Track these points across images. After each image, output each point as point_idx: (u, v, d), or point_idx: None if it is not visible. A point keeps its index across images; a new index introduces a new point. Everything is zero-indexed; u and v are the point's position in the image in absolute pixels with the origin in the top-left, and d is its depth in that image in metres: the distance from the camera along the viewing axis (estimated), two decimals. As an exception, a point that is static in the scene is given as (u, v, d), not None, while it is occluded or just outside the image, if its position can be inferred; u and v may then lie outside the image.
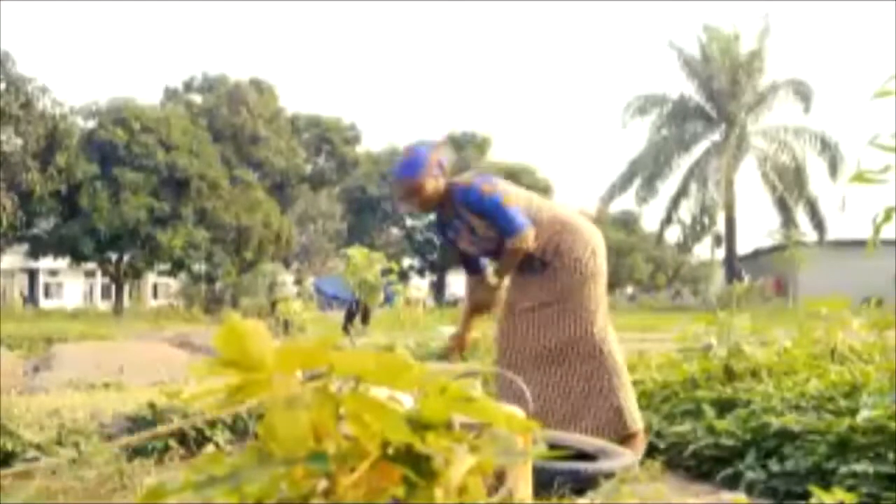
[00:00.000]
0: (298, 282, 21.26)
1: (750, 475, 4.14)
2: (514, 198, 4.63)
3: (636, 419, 4.61)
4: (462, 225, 4.68)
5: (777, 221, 41.08)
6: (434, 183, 4.59)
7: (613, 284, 42.65)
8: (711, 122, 41.85)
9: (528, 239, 4.51)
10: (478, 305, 4.84)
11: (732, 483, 4.16)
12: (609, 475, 3.78)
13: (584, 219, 4.87)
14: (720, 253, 44.66)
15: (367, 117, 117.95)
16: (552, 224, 4.63)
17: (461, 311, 5.03)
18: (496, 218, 4.54)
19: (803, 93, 40.03)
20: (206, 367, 0.93)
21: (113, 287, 41.73)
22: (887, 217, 2.83)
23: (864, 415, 3.86)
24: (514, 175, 49.14)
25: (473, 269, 4.91)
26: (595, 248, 4.66)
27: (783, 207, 40.62)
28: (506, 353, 4.67)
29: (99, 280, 54.45)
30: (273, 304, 21.28)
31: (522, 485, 2.61)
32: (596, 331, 4.58)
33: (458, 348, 4.92)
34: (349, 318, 16.62)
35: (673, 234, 44.14)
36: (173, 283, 49.86)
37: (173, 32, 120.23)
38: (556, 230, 4.61)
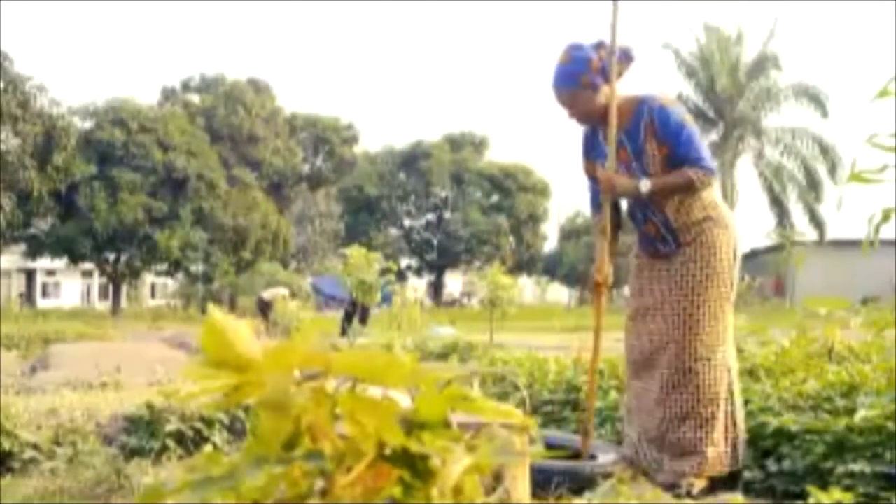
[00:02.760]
0: (293, 294, 21.16)
1: (748, 475, 4.14)
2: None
3: (710, 464, 4.08)
4: (625, 145, 4.13)
5: (774, 222, 41.11)
6: (591, 94, 4.09)
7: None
8: (710, 123, 41.85)
9: (710, 182, 4.04)
10: (609, 235, 4.28)
11: (730, 483, 4.16)
12: (607, 475, 3.78)
13: (733, 214, 4.36)
14: (718, 253, 44.54)
15: (364, 117, 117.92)
16: (708, 207, 4.14)
17: (598, 244, 4.32)
18: (688, 147, 4.02)
19: (813, 96, 39.95)
20: (196, 369, 0.93)
21: (110, 287, 41.76)
22: (885, 218, 2.83)
23: (861, 415, 3.86)
24: (511, 175, 49.31)
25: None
26: (736, 251, 4.18)
27: (781, 208, 40.63)
28: (631, 363, 4.33)
29: (96, 280, 54.41)
30: (263, 307, 21.17)
31: (520, 484, 2.61)
32: (707, 343, 4.11)
33: (602, 281, 4.23)
34: (348, 318, 16.62)
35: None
36: (171, 283, 49.87)
37: (171, 32, 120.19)
38: (705, 214, 4.13)
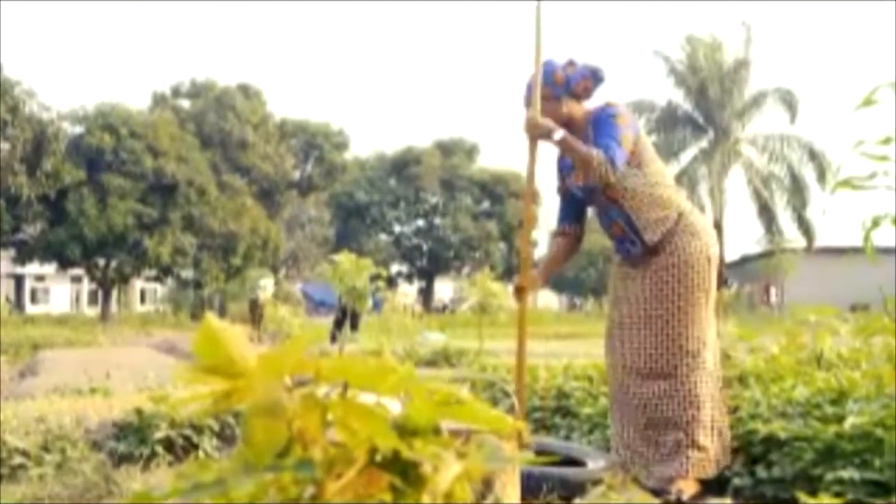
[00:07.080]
0: (285, 297, 21.17)
1: (737, 481, 4.14)
2: (635, 143, 4.19)
3: (694, 466, 4.12)
4: None
5: (763, 228, 41.17)
6: (554, 105, 4.21)
7: (599, 290, 42.70)
8: (699, 130, 41.94)
9: (611, 169, 4.03)
10: (556, 260, 4.59)
11: (720, 489, 4.17)
12: (597, 481, 3.78)
13: (707, 221, 4.42)
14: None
15: (355, 123, 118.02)
16: (670, 207, 4.22)
17: (546, 258, 4.69)
18: (603, 132, 4.10)
19: (789, 101, 40.13)
20: (188, 373, 0.93)
21: (100, 292, 41.58)
22: (875, 224, 2.84)
23: (850, 421, 3.87)
24: (502, 181, 49.31)
25: (573, 217, 4.56)
26: (710, 258, 4.22)
27: (769, 214, 40.71)
28: (612, 369, 4.38)
29: (86, 285, 54.25)
30: (255, 310, 21.11)
31: (510, 491, 2.61)
32: (687, 349, 4.16)
33: (528, 285, 4.33)
34: (338, 324, 16.61)
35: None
36: (161, 289, 49.74)
37: (161, 37, 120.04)
38: (672, 218, 4.21)
